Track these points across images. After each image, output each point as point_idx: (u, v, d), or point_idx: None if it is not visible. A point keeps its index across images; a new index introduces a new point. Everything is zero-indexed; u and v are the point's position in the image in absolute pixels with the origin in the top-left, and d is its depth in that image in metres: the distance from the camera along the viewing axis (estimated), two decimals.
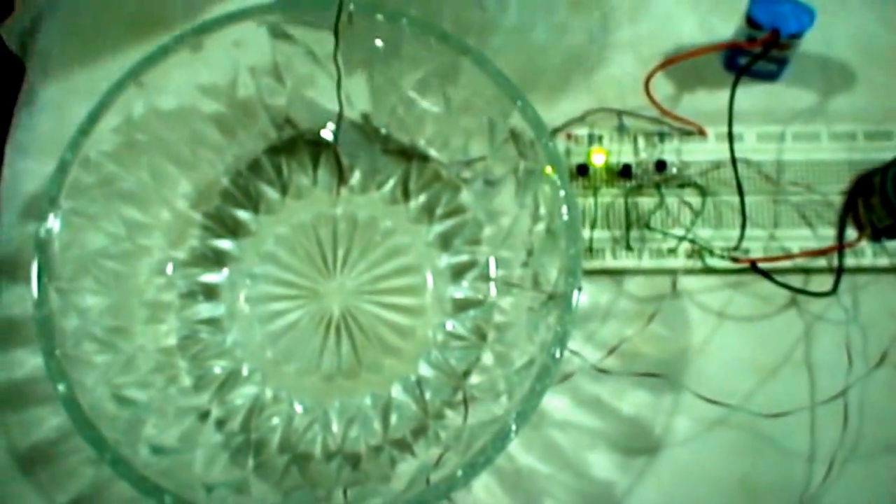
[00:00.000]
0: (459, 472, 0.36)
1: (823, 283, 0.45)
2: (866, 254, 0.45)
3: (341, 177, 0.46)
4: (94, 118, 0.40)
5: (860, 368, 0.44)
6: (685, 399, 0.44)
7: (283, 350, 0.45)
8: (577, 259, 0.38)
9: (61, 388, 0.37)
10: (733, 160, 0.45)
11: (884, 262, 0.45)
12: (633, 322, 0.45)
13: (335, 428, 0.44)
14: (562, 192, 0.39)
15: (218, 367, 0.45)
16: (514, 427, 0.36)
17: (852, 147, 0.46)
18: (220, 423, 0.44)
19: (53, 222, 0.39)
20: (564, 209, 0.38)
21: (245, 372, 0.45)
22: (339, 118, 0.43)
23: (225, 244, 0.46)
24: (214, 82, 0.43)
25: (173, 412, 0.43)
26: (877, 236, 0.45)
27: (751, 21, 0.44)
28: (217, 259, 0.46)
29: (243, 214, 0.46)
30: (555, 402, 0.45)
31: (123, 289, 0.44)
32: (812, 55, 0.48)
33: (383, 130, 0.46)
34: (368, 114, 0.46)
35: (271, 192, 0.46)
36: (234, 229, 0.46)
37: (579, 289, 0.38)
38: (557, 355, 0.37)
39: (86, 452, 0.45)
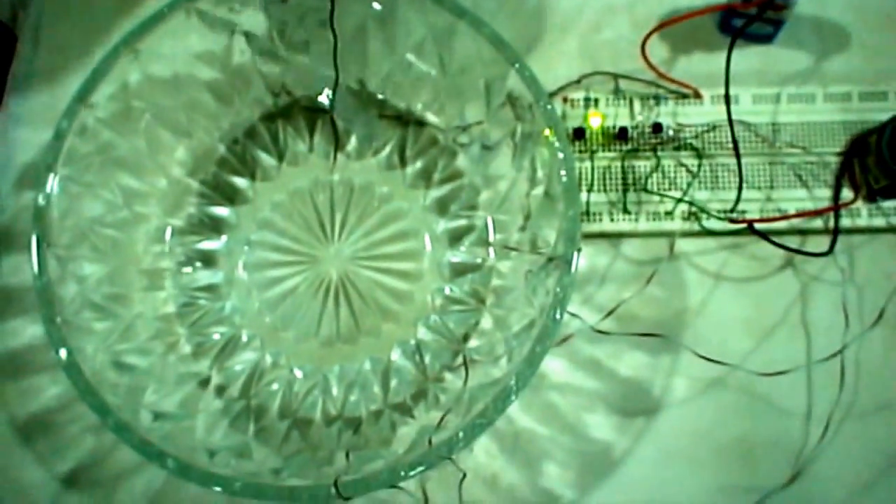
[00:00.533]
0: (460, 434, 0.36)
1: (820, 243, 0.45)
2: (862, 214, 0.45)
3: (338, 143, 0.46)
4: (90, 86, 0.40)
5: (856, 328, 0.44)
6: (683, 360, 0.45)
7: (282, 316, 0.45)
8: (575, 221, 0.38)
9: (63, 354, 0.37)
10: (730, 122, 0.45)
11: (880, 222, 0.45)
12: (630, 285, 0.45)
13: (335, 392, 0.44)
14: (560, 155, 0.39)
15: (217, 334, 0.45)
16: (514, 388, 0.37)
17: (847, 108, 0.46)
18: (220, 390, 0.44)
19: (51, 190, 0.39)
20: (563, 172, 0.39)
21: (244, 338, 0.45)
22: (336, 84, 0.43)
23: (222, 211, 0.46)
24: (209, 49, 0.43)
25: (173, 379, 0.43)
26: (872, 197, 0.45)
27: None
28: (214, 226, 0.46)
29: (240, 181, 0.46)
30: (554, 365, 0.45)
31: (121, 256, 0.44)
32: (806, 17, 0.48)
33: (379, 96, 0.46)
34: (364, 79, 0.46)
35: (268, 159, 0.46)
36: (231, 196, 0.46)
37: (578, 251, 0.38)
38: (557, 317, 0.37)
39: (85, 421, 0.45)
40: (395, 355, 0.44)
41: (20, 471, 0.45)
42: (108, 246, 0.43)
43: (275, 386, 0.44)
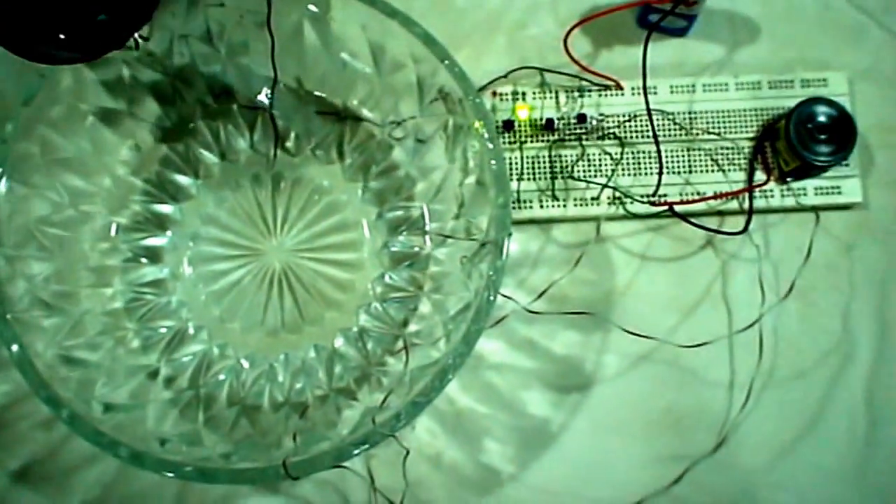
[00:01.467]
0: (402, 412, 0.38)
1: (736, 224, 0.48)
2: (775, 195, 0.48)
3: (277, 139, 0.47)
4: (34, 89, 0.41)
5: (772, 300, 0.47)
6: (612, 338, 0.47)
7: (228, 308, 0.47)
8: (505, 208, 0.40)
9: (15, 349, 0.39)
10: (648, 112, 0.47)
11: (790, 202, 0.48)
12: (561, 268, 0.47)
13: (281, 380, 0.45)
14: (490, 146, 0.41)
15: (164, 328, 0.46)
16: (452, 366, 0.39)
17: (758, 95, 0.49)
18: (169, 381, 0.45)
19: None
20: (493, 161, 0.41)
21: (191, 331, 0.46)
22: (274, 83, 0.45)
23: (166, 208, 0.47)
24: (151, 50, 0.44)
25: (123, 371, 0.44)
26: (783, 178, 0.48)
27: None
28: (159, 223, 0.47)
29: (183, 179, 0.48)
30: (490, 346, 0.47)
31: (68, 254, 0.45)
32: (718, 10, 0.50)
33: (317, 93, 0.48)
34: (301, 77, 0.47)
35: (210, 157, 0.48)
36: (175, 193, 0.47)
37: (509, 235, 0.40)
38: (491, 298, 0.39)
39: (35, 417, 0.47)
40: (339, 342, 0.46)
41: None
42: (55, 244, 0.44)
43: (222, 376, 0.45)
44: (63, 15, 0.36)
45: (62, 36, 0.37)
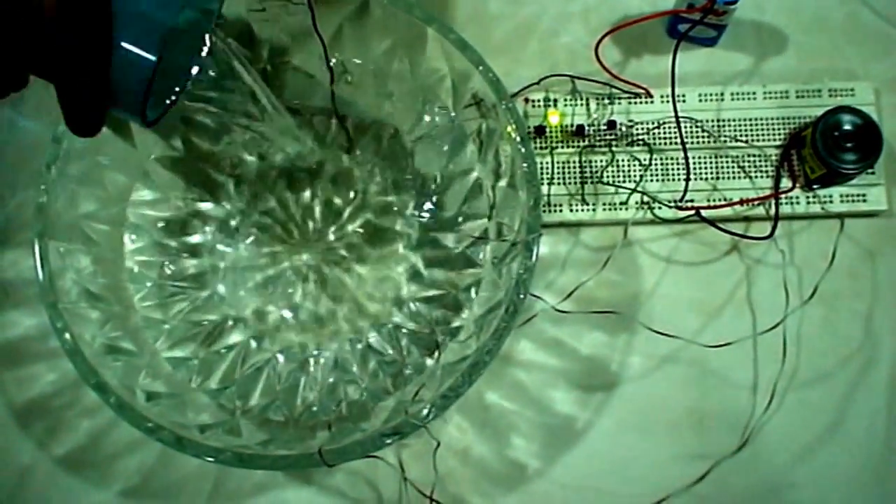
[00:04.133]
0: (434, 403, 0.40)
1: (762, 230, 0.49)
2: (800, 202, 0.49)
3: (350, 140, 0.49)
4: None
5: (796, 304, 0.48)
6: (638, 339, 0.48)
7: (264, 303, 0.48)
8: (536, 209, 0.42)
9: (67, 337, 0.40)
10: (677, 119, 0.48)
11: (816, 208, 0.49)
12: (589, 270, 0.49)
13: (315, 373, 0.47)
14: (522, 149, 0.42)
15: (204, 321, 0.48)
16: (483, 362, 0.40)
17: (785, 104, 0.50)
18: (207, 373, 0.47)
19: (51, 187, 0.42)
20: (524, 164, 0.42)
21: (229, 324, 0.48)
22: (332, 83, 0.46)
23: (206, 206, 0.49)
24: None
25: (164, 362, 0.46)
26: (809, 185, 0.49)
27: None
28: (200, 219, 0.49)
29: (221, 177, 0.49)
30: (519, 345, 0.48)
31: (113, 249, 0.47)
32: (746, 21, 0.52)
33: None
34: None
35: (249, 157, 0.49)
36: (214, 191, 0.49)
37: (539, 234, 0.41)
38: (521, 296, 0.41)
39: (81, 406, 0.48)
40: (373, 338, 0.47)
41: (18, 454, 0.48)
42: (101, 239, 0.45)
43: (258, 368, 0.47)
44: None
45: None
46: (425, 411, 0.40)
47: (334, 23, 0.45)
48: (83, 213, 0.45)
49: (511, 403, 0.48)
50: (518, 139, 0.42)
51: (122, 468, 0.48)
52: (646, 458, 0.47)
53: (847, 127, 0.47)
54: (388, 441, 0.39)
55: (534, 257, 0.41)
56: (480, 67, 0.43)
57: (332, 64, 0.46)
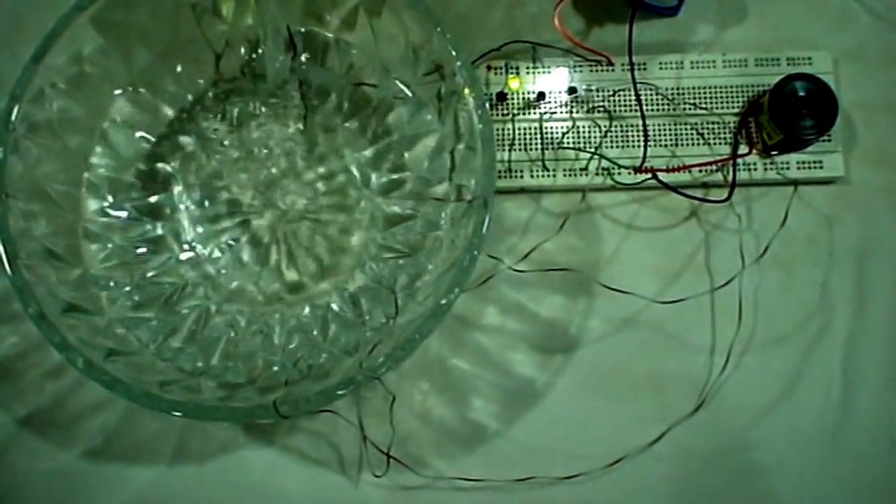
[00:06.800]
0: (387, 357, 0.40)
1: (720, 195, 0.49)
2: (758, 168, 0.49)
3: (307, 111, 0.50)
4: (43, 50, 0.44)
5: (753, 268, 0.49)
6: (598, 302, 0.49)
7: (226, 267, 0.49)
8: (491, 168, 0.42)
9: (29, 301, 0.41)
10: (634, 85, 0.49)
11: (773, 175, 0.49)
12: (550, 235, 0.49)
13: (276, 338, 0.47)
14: (479, 111, 0.43)
15: (163, 284, 0.48)
16: (435, 312, 0.40)
17: (744, 72, 0.50)
18: (168, 334, 0.47)
19: (10, 147, 0.43)
20: (480, 125, 0.43)
21: (189, 288, 0.48)
22: (293, 53, 0.47)
23: (168, 168, 0.49)
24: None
25: (124, 323, 0.46)
26: (767, 152, 0.49)
27: None
28: (161, 181, 0.49)
29: (185, 139, 0.49)
30: (480, 309, 0.49)
31: (73, 210, 0.47)
32: None
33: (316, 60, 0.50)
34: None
35: (213, 121, 0.50)
36: (178, 154, 0.49)
37: (493, 192, 0.42)
38: (476, 252, 0.41)
39: (43, 367, 0.49)
40: (334, 301, 0.48)
41: None
42: (62, 200, 0.46)
43: (219, 331, 0.47)
44: None
45: None
46: (380, 364, 0.40)
47: None
48: (43, 174, 0.45)
49: (472, 366, 0.48)
50: (475, 101, 0.43)
51: (85, 429, 0.48)
52: (604, 419, 0.48)
53: (802, 93, 0.48)
54: (341, 392, 0.40)
55: (488, 213, 0.42)
56: (438, 30, 0.44)
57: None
